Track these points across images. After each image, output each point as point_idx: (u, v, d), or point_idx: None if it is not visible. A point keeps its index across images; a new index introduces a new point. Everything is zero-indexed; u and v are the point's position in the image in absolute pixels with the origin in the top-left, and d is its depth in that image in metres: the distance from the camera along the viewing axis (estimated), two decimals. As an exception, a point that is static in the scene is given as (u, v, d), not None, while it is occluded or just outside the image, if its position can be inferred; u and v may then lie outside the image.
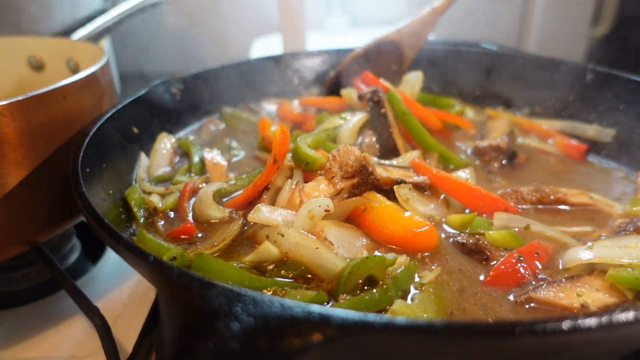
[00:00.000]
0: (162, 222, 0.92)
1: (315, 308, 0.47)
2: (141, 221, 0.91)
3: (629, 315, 0.47)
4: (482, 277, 0.75)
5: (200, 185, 0.99)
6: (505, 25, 2.64)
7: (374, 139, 1.07)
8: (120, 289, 1.09)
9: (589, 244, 0.78)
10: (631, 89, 1.17)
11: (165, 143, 1.15)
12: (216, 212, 0.91)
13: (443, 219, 0.90)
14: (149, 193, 0.98)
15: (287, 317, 0.47)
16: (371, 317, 0.46)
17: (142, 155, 1.09)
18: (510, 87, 1.43)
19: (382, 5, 2.64)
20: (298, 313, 0.47)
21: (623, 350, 0.61)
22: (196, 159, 1.11)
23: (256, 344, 0.46)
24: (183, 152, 1.18)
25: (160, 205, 0.94)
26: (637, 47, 2.18)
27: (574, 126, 1.24)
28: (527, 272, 0.74)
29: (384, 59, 1.37)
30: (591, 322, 0.46)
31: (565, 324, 0.45)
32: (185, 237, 0.87)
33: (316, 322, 0.46)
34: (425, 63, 1.47)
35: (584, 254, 0.75)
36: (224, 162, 1.09)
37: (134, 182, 1.02)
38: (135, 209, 0.92)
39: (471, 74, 1.47)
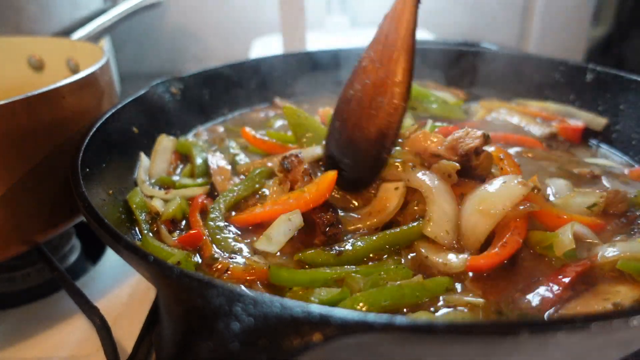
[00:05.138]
0: (164, 227, 0.90)
1: (315, 308, 0.47)
2: (144, 225, 0.88)
3: (630, 313, 0.47)
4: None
5: (207, 201, 0.96)
6: (505, 25, 2.64)
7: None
8: (120, 289, 1.09)
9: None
10: (631, 89, 1.17)
11: (166, 144, 1.13)
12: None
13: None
14: (151, 196, 0.97)
15: (287, 317, 0.47)
16: (371, 317, 0.46)
17: (143, 156, 1.08)
18: (510, 87, 1.43)
19: (382, 5, 2.64)
20: (298, 313, 0.47)
21: (624, 350, 0.61)
22: (199, 161, 1.09)
23: (256, 344, 0.46)
24: (183, 153, 1.16)
25: (162, 209, 0.92)
26: (637, 47, 2.18)
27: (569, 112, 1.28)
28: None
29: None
30: (592, 321, 0.46)
31: (565, 324, 0.45)
32: (193, 244, 0.85)
33: (316, 322, 0.46)
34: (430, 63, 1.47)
35: (610, 251, 0.76)
36: (227, 166, 1.07)
37: (135, 183, 1.02)
38: (137, 213, 0.90)
39: (471, 73, 1.47)
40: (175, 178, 1.07)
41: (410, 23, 0.88)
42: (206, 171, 1.07)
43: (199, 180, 1.04)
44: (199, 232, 0.86)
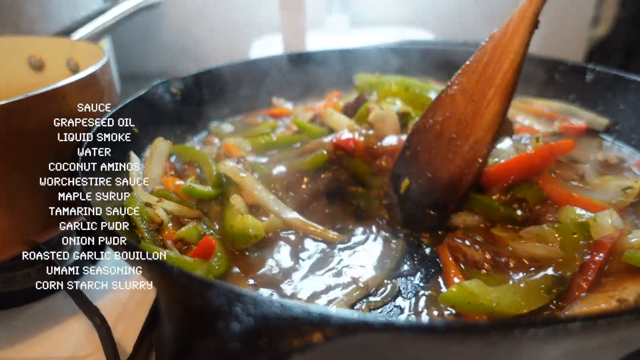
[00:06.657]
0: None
1: (316, 308, 0.47)
2: (146, 235, 0.85)
3: (631, 313, 0.47)
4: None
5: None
6: (505, 25, 2.64)
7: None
8: (120, 289, 1.09)
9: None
10: (631, 89, 1.17)
11: (162, 148, 1.08)
12: None
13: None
14: (149, 203, 0.92)
15: (287, 317, 0.47)
16: (371, 317, 0.46)
17: (133, 156, 1.03)
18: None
19: (382, 5, 2.64)
20: (298, 313, 0.47)
21: (624, 350, 0.61)
22: (214, 170, 0.98)
23: (256, 344, 0.46)
24: (181, 157, 1.13)
25: (166, 218, 0.88)
26: (637, 47, 2.18)
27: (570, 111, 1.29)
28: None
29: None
30: (593, 321, 0.45)
31: (566, 325, 0.45)
32: (207, 255, 0.80)
33: (316, 322, 0.46)
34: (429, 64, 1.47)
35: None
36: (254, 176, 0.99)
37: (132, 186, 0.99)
38: (138, 222, 0.86)
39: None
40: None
41: (518, 55, 0.72)
42: (220, 182, 0.98)
43: (208, 189, 0.95)
44: (207, 238, 0.81)
